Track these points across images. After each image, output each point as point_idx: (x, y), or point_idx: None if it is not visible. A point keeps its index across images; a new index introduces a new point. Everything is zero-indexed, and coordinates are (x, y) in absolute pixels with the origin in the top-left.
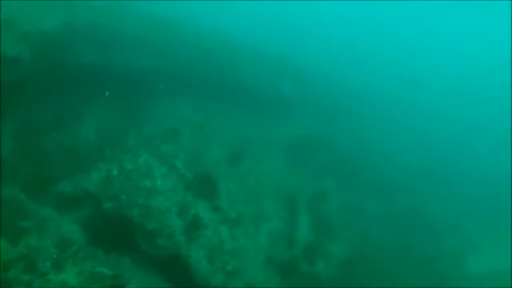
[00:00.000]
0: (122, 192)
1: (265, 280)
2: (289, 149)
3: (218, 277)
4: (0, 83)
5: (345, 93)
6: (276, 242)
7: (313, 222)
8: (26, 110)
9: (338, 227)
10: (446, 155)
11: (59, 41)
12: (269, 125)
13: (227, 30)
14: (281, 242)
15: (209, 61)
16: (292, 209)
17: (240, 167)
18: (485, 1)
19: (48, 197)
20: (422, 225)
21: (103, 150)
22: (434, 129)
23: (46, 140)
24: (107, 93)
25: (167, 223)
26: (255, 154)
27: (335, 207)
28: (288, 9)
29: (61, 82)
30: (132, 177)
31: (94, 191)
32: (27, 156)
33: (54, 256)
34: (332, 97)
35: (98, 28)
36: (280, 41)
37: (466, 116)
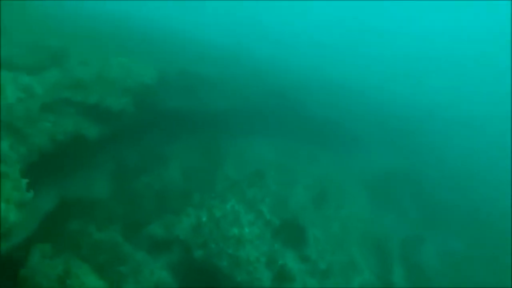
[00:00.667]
0: (211, 240)
1: None
2: (371, 187)
3: None
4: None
5: (425, 120)
6: None
7: (407, 271)
8: (120, 156)
9: (435, 276)
10: None
11: (153, 91)
12: (348, 161)
13: (297, 64)
14: None
15: (283, 97)
16: (382, 257)
17: (325, 210)
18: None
19: (141, 240)
20: None
21: (191, 194)
22: None
23: (137, 182)
24: None
25: (256, 274)
26: (338, 195)
27: (430, 253)
28: (358, 37)
29: (150, 127)
30: (221, 225)
31: (184, 237)
32: (120, 198)
33: None
34: (411, 125)
35: (185, 75)
36: (350, 71)
37: None
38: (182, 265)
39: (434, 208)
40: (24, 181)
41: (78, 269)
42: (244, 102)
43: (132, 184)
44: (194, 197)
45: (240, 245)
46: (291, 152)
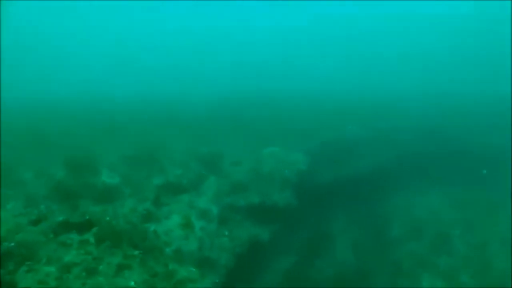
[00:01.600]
0: None
1: None
2: None
3: None
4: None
5: None
6: None
7: None
8: (291, 249)
9: None
10: None
11: (308, 173)
12: None
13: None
14: None
15: (441, 138)
16: None
17: None
18: None
19: None
20: None
21: (372, 276)
22: None
23: (311, 271)
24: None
25: None
26: None
27: None
28: None
29: (312, 209)
30: None
31: None
32: None
33: None
34: None
35: (332, 144)
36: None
37: None
38: None
39: None
40: None
41: None
42: (399, 154)
43: (308, 274)
44: (378, 279)
45: None
46: (469, 202)
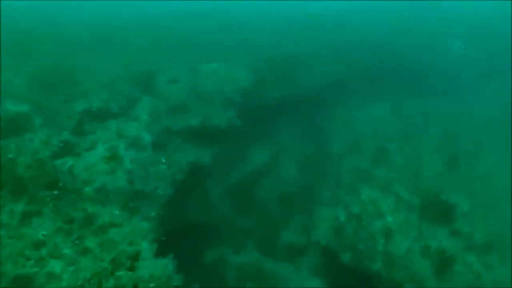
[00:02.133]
0: (358, 241)
1: None
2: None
3: None
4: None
5: None
6: None
7: None
8: (237, 165)
9: None
10: None
11: (252, 90)
12: (465, 106)
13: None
14: None
15: (378, 52)
16: None
17: (463, 173)
18: None
19: (278, 251)
20: None
21: (317, 191)
22: None
23: (258, 190)
24: None
25: (413, 268)
26: (471, 150)
27: None
28: None
29: (257, 126)
30: (362, 221)
31: (326, 242)
32: (244, 211)
33: None
34: None
35: (276, 62)
36: None
37: None
38: (330, 272)
39: None
40: None
41: None
42: (344, 70)
43: (254, 194)
44: (322, 194)
45: (389, 238)
46: (407, 114)
